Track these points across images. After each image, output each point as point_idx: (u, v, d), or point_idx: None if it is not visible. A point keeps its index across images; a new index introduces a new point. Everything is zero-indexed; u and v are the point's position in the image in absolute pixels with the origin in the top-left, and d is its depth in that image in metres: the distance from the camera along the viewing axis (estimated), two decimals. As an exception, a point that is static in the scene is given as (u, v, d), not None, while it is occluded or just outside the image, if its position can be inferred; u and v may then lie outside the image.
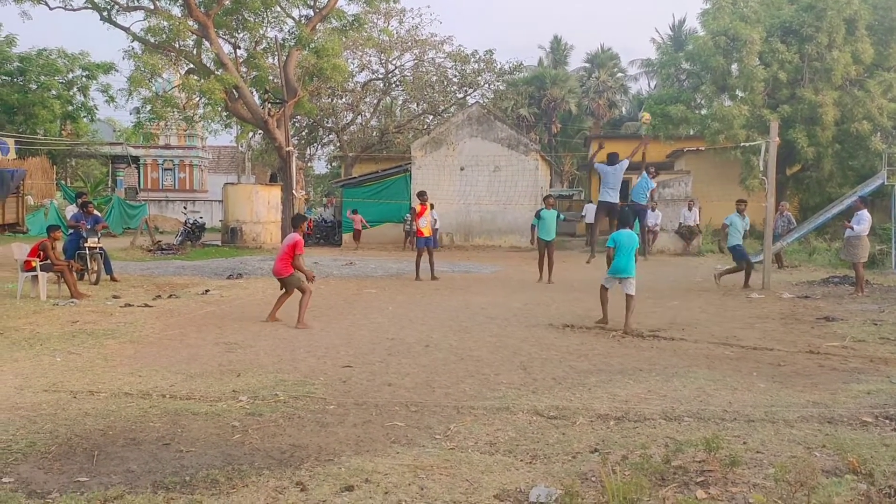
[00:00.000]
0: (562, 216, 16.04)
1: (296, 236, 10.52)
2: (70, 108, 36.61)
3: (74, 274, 13.27)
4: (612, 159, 13.83)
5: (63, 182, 38.18)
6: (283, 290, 10.72)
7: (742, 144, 22.55)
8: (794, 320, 10.94)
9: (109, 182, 44.36)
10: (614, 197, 13.87)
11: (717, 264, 19.86)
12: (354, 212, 27.87)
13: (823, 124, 23.80)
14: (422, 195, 16.53)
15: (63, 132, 37.72)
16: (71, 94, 36.52)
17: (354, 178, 30.33)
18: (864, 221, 13.70)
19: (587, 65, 56.58)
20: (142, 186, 44.50)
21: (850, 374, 7.30)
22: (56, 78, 35.37)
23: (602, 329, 9.91)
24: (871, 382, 6.90)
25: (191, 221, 27.61)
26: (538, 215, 16.02)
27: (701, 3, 30.17)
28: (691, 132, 27.74)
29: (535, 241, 16.25)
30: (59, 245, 13.86)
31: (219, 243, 27.12)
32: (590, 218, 30.94)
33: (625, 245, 10.11)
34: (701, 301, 12.91)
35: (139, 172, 44.85)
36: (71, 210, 21.69)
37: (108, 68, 35.46)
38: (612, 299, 10.34)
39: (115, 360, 7.84)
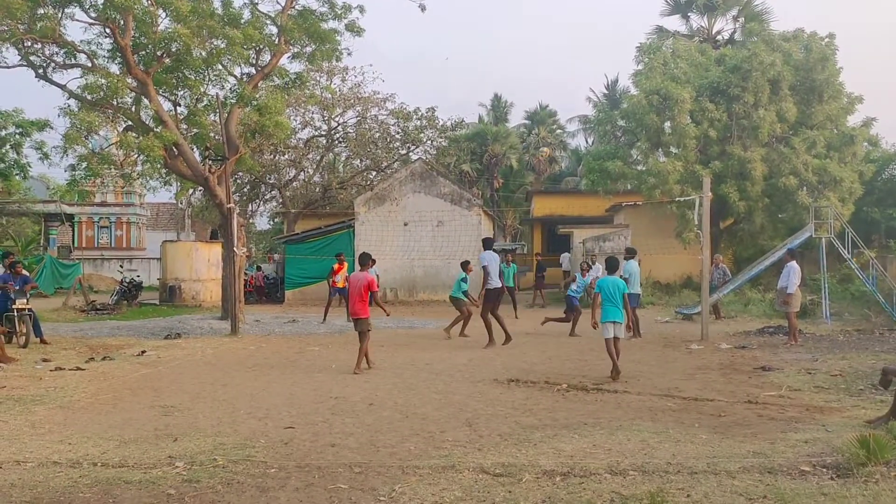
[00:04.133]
0: (464, 286, 16.14)
1: (367, 275, 10.73)
2: (2, 165, 35.55)
3: (2, 337, 12.78)
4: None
5: (-8, 241, 36.93)
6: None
7: (677, 199, 23.21)
8: (733, 370, 11.16)
9: (42, 241, 43.05)
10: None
11: (657, 316, 20.23)
12: (258, 269, 31.80)
13: (753, 179, 24.70)
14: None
15: (-6, 190, 36.57)
16: (3, 151, 35.50)
17: (297, 234, 30.09)
18: (793, 274, 14.15)
19: (527, 122, 57.84)
20: (76, 245, 43.30)
21: (788, 424, 7.45)
22: (-12, 136, 34.37)
23: (548, 384, 9.91)
24: (807, 431, 7.05)
25: (127, 280, 27.00)
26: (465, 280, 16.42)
27: (633, 65, 31.29)
28: (629, 187, 28.43)
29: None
30: (-13, 307, 13.34)
31: (157, 302, 26.51)
32: (566, 266, 30.47)
33: (609, 290, 10.33)
34: (642, 353, 13.08)
35: (74, 230, 43.69)
36: (-1, 271, 20.89)
37: (42, 125, 34.41)
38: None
39: (43, 428, 7.51)
